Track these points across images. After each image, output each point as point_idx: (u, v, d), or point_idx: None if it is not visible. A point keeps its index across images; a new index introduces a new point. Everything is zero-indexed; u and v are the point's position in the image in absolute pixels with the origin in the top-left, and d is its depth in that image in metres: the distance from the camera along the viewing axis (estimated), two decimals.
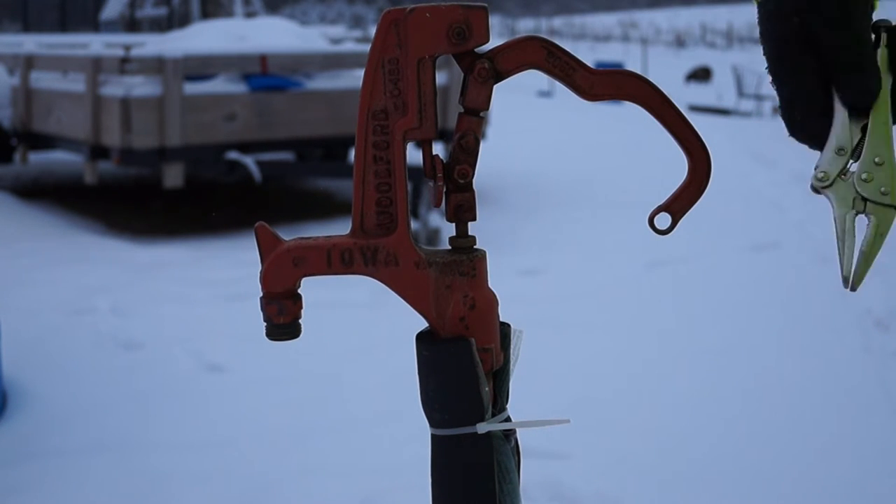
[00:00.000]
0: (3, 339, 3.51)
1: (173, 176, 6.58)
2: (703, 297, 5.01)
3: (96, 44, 7.96)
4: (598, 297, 5.00)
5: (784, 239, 6.10)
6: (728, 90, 21.23)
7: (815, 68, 0.75)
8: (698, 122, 0.81)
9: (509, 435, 0.79)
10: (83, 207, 7.57)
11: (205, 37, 7.57)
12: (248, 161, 6.76)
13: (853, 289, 0.76)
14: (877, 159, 0.75)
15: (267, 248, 0.77)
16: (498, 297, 0.78)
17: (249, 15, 15.53)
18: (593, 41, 57.82)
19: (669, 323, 4.55)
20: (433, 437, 0.77)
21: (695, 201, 0.79)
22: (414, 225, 6.09)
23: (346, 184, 7.74)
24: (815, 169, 0.76)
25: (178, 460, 3.12)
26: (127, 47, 7.46)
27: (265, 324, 0.78)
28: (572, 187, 8.34)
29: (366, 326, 4.40)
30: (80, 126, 6.79)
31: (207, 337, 4.31)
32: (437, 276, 0.76)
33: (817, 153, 0.77)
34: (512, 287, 4.65)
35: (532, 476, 2.70)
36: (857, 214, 0.76)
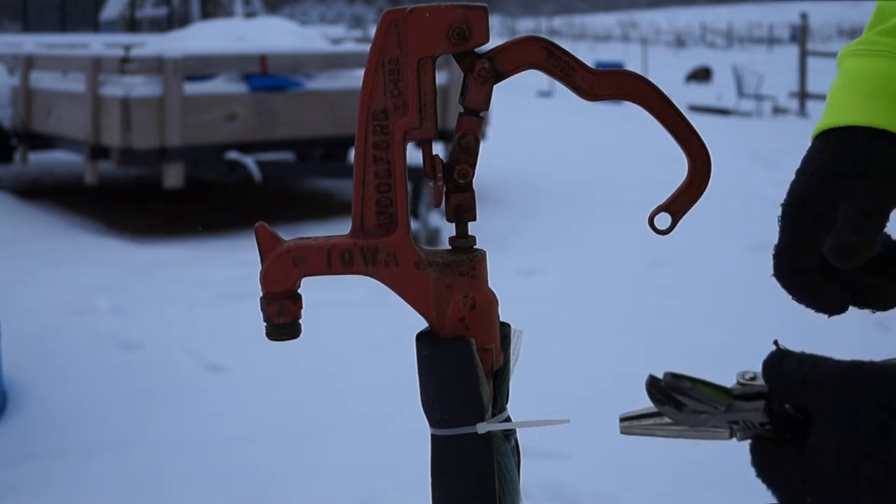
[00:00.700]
0: (3, 339, 3.51)
1: (173, 176, 6.59)
2: (702, 297, 5.01)
3: (96, 44, 7.97)
4: (598, 297, 5.00)
5: None
6: (728, 90, 21.23)
7: (821, 230, 0.75)
8: (698, 122, 0.81)
9: (509, 435, 0.78)
10: (83, 207, 7.57)
11: (205, 37, 7.58)
12: (248, 161, 6.76)
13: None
14: None
15: (267, 248, 0.77)
16: (498, 297, 0.78)
17: (249, 15, 15.55)
18: (593, 41, 57.85)
19: (669, 323, 4.55)
20: (433, 437, 0.77)
21: (695, 201, 0.79)
22: (414, 225, 6.09)
23: (345, 184, 7.74)
24: None
25: (178, 460, 3.12)
26: (127, 47, 7.47)
27: (265, 324, 0.78)
28: (572, 187, 8.34)
29: (366, 326, 4.40)
30: (80, 126, 6.79)
31: (207, 337, 4.32)
32: (437, 277, 0.76)
33: None
34: (512, 287, 4.65)
35: (532, 476, 2.70)
36: None
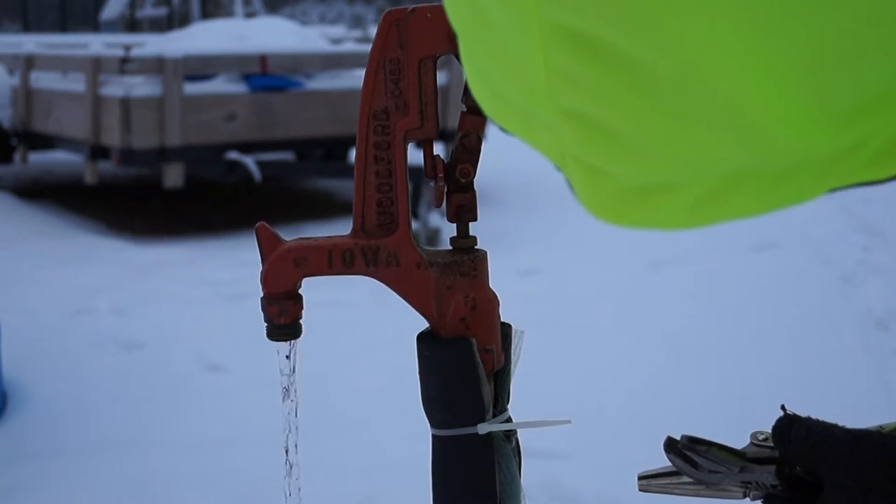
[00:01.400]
0: (3, 339, 3.51)
1: (173, 176, 6.58)
2: (702, 297, 5.01)
3: (96, 44, 7.96)
4: (598, 297, 5.00)
5: (784, 239, 6.09)
6: None
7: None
8: None
9: (510, 435, 0.78)
10: (83, 207, 7.57)
11: (205, 37, 7.58)
12: (248, 161, 6.76)
13: None
14: None
15: (268, 249, 0.77)
16: (498, 297, 0.78)
17: (249, 15, 15.53)
18: None
19: (669, 323, 4.54)
20: (434, 437, 0.77)
21: None
22: (414, 225, 6.08)
23: (346, 184, 7.74)
24: None
25: (178, 460, 3.12)
26: (127, 47, 7.47)
27: (266, 324, 0.78)
28: None
29: (366, 326, 4.40)
30: (80, 126, 6.79)
31: (207, 337, 4.31)
32: (438, 277, 0.76)
33: None
34: (512, 287, 4.65)
35: (532, 476, 2.70)
36: None
